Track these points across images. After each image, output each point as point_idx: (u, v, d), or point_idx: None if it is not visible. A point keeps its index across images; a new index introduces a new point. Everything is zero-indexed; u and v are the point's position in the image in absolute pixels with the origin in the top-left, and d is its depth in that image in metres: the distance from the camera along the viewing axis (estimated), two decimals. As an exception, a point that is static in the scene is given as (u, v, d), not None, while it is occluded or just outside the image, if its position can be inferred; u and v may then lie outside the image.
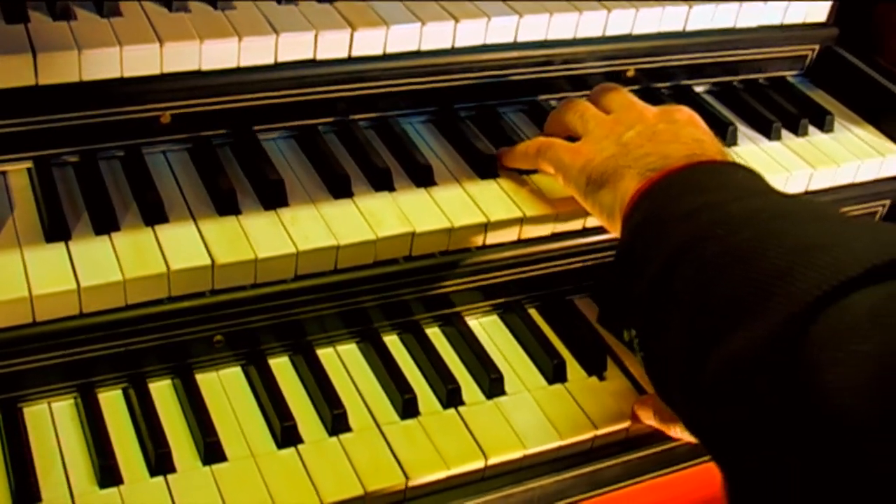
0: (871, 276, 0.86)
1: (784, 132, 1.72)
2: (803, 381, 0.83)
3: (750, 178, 1.19)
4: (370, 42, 1.44)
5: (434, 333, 1.43)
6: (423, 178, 1.42)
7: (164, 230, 1.26)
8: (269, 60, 1.39)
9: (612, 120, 1.36)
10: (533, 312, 1.50)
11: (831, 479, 0.80)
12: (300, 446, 1.24)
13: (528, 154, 1.43)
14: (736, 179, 1.17)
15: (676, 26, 1.69)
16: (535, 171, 1.46)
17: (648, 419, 1.33)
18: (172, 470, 1.20)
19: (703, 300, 1.00)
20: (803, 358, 0.84)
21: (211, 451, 1.21)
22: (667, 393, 1.10)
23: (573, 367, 1.42)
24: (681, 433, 1.30)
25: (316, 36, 1.40)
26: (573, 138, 1.39)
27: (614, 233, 1.26)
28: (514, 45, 1.56)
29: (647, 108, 1.36)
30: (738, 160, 1.56)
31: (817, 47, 1.87)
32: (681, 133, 1.28)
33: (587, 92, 1.59)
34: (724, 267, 0.99)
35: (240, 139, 1.42)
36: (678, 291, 1.04)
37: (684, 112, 1.35)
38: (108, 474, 1.17)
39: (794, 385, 0.84)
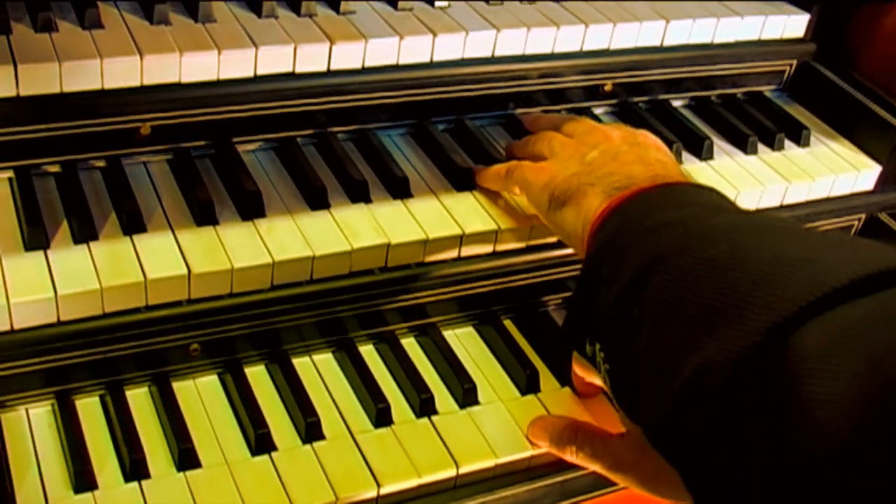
0: (852, 289, 0.86)
1: (760, 146, 1.73)
2: (783, 391, 0.82)
3: (720, 199, 1.19)
4: (349, 56, 1.46)
5: (409, 343, 1.45)
6: (400, 190, 1.44)
7: (142, 240, 1.28)
8: (249, 73, 1.41)
9: (576, 141, 1.37)
10: (508, 323, 1.51)
11: (808, 493, 0.80)
12: (274, 454, 1.26)
13: (499, 176, 1.44)
14: (708, 199, 1.18)
15: (654, 41, 1.70)
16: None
17: (542, 441, 1.32)
18: (147, 476, 1.21)
19: (677, 309, 0.99)
20: (784, 369, 0.83)
21: (185, 458, 1.23)
22: (630, 405, 1.10)
23: (546, 378, 1.43)
24: (576, 459, 1.28)
25: (295, 49, 1.42)
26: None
27: (576, 250, 1.27)
28: (492, 60, 1.57)
29: (612, 131, 1.37)
30: (714, 174, 1.60)
31: (795, 62, 1.89)
32: (644, 155, 1.29)
33: (565, 105, 1.62)
34: (699, 276, 0.98)
35: (219, 151, 1.44)
36: (651, 301, 1.03)
37: (649, 137, 1.36)
38: (83, 480, 1.18)
39: (773, 395, 0.83)
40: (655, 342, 1.01)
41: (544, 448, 1.31)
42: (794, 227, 1.05)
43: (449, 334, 1.48)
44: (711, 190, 1.21)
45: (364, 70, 1.48)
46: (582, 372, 1.32)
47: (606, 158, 1.29)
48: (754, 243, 0.98)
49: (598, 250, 1.18)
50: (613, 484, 1.36)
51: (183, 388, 1.32)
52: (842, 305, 0.85)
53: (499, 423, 1.35)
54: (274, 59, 1.41)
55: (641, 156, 1.28)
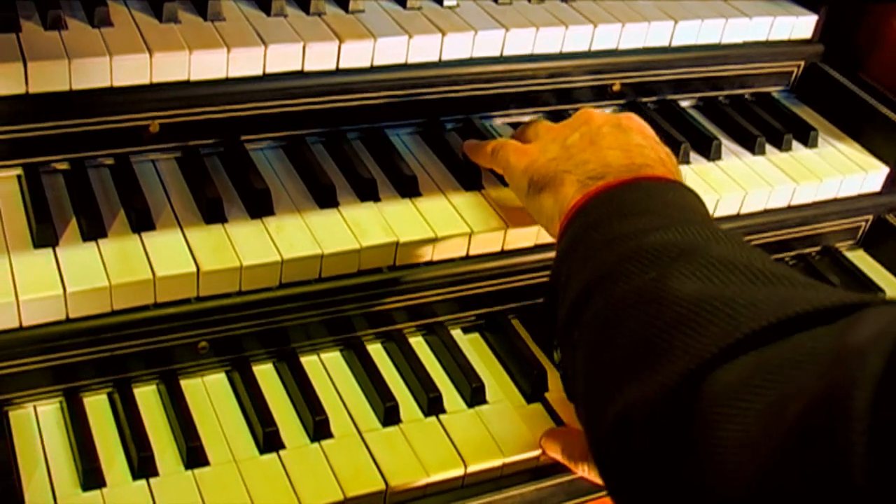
0: (769, 332, 0.85)
1: (768, 147, 1.73)
2: (695, 435, 0.82)
3: (676, 200, 1.16)
4: (358, 54, 1.46)
5: (417, 343, 1.45)
6: (409, 188, 1.44)
7: (151, 237, 1.28)
8: (258, 71, 1.41)
9: (560, 125, 1.36)
10: (516, 323, 1.51)
11: None
12: (282, 452, 1.26)
13: (485, 153, 1.44)
14: (664, 200, 1.15)
15: (662, 41, 1.71)
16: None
17: (555, 454, 1.31)
18: (155, 473, 1.21)
19: (607, 341, 0.98)
20: (696, 413, 0.82)
21: (193, 456, 1.23)
22: (578, 415, 1.08)
23: (554, 378, 1.43)
24: (587, 473, 1.27)
25: (304, 47, 1.42)
26: None
27: (554, 238, 1.25)
28: (501, 59, 1.57)
29: (597, 114, 1.34)
30: (722, 175, 1.60)
31: (802, 63, 1.89)
32: (624, 140, 1.26)
33: (573, 105, 1.61)
34: (630, 307, 0.97)
35: (228, 149, 1.44)
36: (588, 326, 1.03)
37: (633, 119, 1.34)
38: (91, 477, 1.18)
39: (687, 439, 0.83)
40: (589, 372, 1.01)
41: (557, 457, 1.31)
42: (723, 252, 1.00)
43: (457, 333, 1.48)
44: (675, 187, 1.19)
45: (373, 69, 1.48)
46: None
47: (585, 142, 1.27)
48: (678, 272, 0.96)
49: (559, 256, 1.17)
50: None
51: (191, 386, 1.32)
52: (758, 349, 0.84)
53: (506, 423, 1.35)
54: (283, 58, 1.41)
55: (621, 141, 1.26)
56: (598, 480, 1.22)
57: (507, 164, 1.36)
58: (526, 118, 1.64)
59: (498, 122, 1.65)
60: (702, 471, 0.80)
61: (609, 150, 1.24)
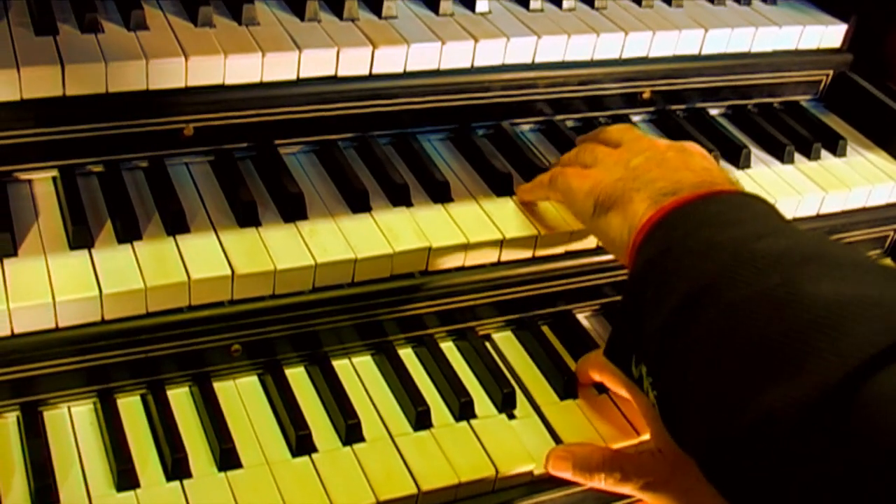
0: None
1: (797, 156, 1.73)
2: (862, 443, 0.79)
3: (767, 212, 1.16)
4: (391, 60, 1.47)
5: (448, 347, 1.45)
6: (441, 194, 1.44)
7: (185, 240, 1.28)
8: (292, 76, 1.42)
9: (621, 149, 1.35)
10: (546, 329, 1.51)
11: None
12: (314, 455, 1.26)
13: (542, 184, 1.43)
14: (754, 211, 1.14)
15: (692, 50, 1.71)
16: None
17: (565, 471, 1.28)
18: (188, 475, 1.22)
19: (730, 347, 0.95)
20: (861, 420, 0.80)
21: (226, 458, 1.23)
22: (680, 436, 1.07)
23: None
24: (605, 485, 1.25)
25: (338, 53, 1.42)
26: None
27: (619, 258, 1.25)
28: (533, 66, 1.58)
29: (658, 140, 1.35)
30: (751, 182, 1.60)
31: (831, 72, 1.89)
32: (690, 162, 1.26)
33: (603, 112, 1.62)
34: (753, 313, 0.94)
35: (261, 153, 1.45)
36: (701, 334, 0.99)
37: (695, 146, 1.34)
38: (125, 478, 1.19)
39: (850, 446, 0.80)
40: (708, 380, 0.98)
41: (567, 475, 1.28)
42: (844, 254, 1.00)
43: (487, 339, 1.48)
44: (759, 200, 1.18)
45: (406, 74, 1.49)
46: (606, 380, 1.33)
47: (652, 164, 1.27)
48: (808, 275, 0.94)
49: (643, 270, 1.15)
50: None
51: (223, 389, 1.33)
52: None
53: (537, 428, 1.35)
54: (317, 63, 1.42)
55: (688, 162, 1.26)
56: (618, 490, 1.25)
57: (569, 188, 1.34)
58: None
59: (528, 128, 1.65)
60: (872, 481, 0.78)
61: (677, 170, 1.24)
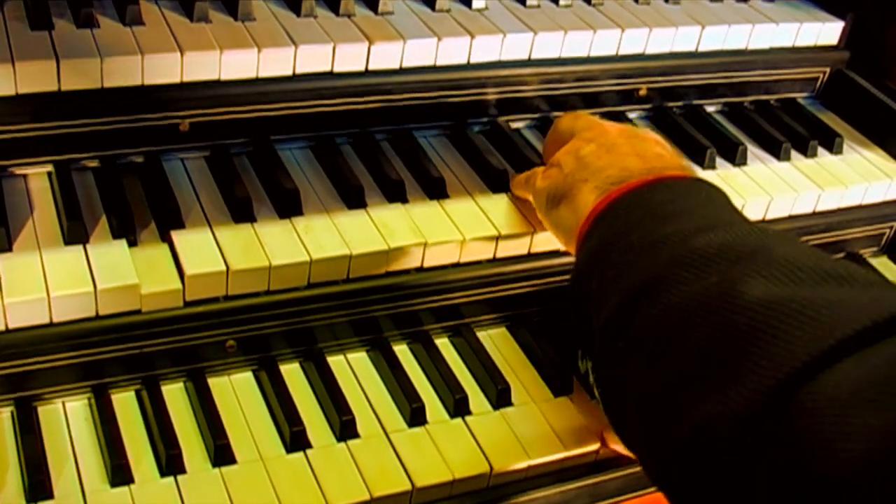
0: (862, 336, 0.81)
1: (793, 153, 1.73)
2: (798, 451, 0.77)
3: (711, 199, 1.13)
4: (387, 56, 1.47)
5: (443, 344, 1.45)
6: (436, 190, 1.44)
7: (180, 236, 1.28)
8: (288, 72, 1.42)
9: (573, 139, 1.34)
10: (541, 326, 1.51)
11: None
12: (309, 451, 1.26)
13: (521, 183, 1.43)
14: (698, 200, 1.11)
15: (689, 46, 1.71)
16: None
17: (618, 444, 1.28)
18: (183, 471, 1.21)
19: (668, 350, 0.93)
20: (796, 430, 0.78)
21: (221, 454, 1.23)
22: (624, 434, 1.06)
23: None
24: None
25: (334, 48, 1.42)
26: None
27: (573, 252, 1.23)
28: (529, 62, 1.58)
29: (609, 126, 1.33)
30: (747, 180, 1.60)
31: (828, 70, 1.89)
32: (640, 148, 1.24)
33: (599, 109, 1.62)
34: (691, 315, 0.92)
35: (257, 148, 1.45)
36: (640, 336, 0.98)
37: (649, 132, 1.32)
38: (119, 473, 1.19)
39: (787, 454, 0.78)
40: (646, 385, 0.96)
41: (619, 449, 1.30)
42: (782, 250, 0.96)
43: (482, 335, 1.48)
44: (705, 186, 1.16)
45: (402, 70, 1.49)
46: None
47: (602, 152, 1.25)
48: (746, 273, 0.92)
49: (587, 263, 1.14)
50: (645, 486, 1.37)
51: (218, 385, 1.33)
52: (853, 355, 0.80)
53: (532, 424, 1.35)
54: (313, 58, 1.42)
55: (638, 148, 1.24)
56: None
57: (534, 188, 1.35)
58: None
59: (524, 124, 1.65)
60: (809, 489, 0.76)
61: (627, 156, 1.22)
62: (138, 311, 1.24)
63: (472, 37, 1.51)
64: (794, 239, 1.01)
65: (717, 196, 1.15)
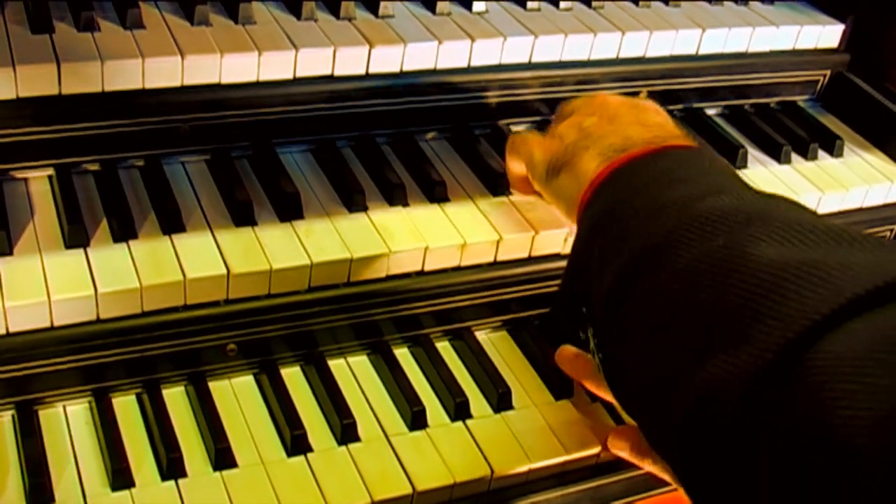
0: (872, 298, 0.79)
1: (794, 156, 1.73)
2: (805, 414, 0.76)
3: (716, 167, 1.12)
4: (387, 59, 1.47)
5: (444, 347, 1.45)
6: (437, 193, 1.44)
7: (181, 239, 1.28)
8: (288, 75, 1.42)
9: (575, 113, 1.33)
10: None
11: None
12: (309, 455, 1.26)
13: (508, 144, 1.42)
14: (703, 168, 1.10)
15: (689, 49, 1.71)
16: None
17: (622, 451, 1.29)
18: (184, 474, 1.22)
19: (674, 315, 0.92)
20: (804, 389, 0.76)
21: (222, 457, 1.23)
22: (625, 403, 1.05)
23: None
24: (654, 469, 1.23)
25: (334, 52, 1.42)
26: None
27: (573, 221, 1.22)
28: (529, 65, 1.58)
29: (611, 97, 1.33)
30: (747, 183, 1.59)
31: (828, 73, 1.89)
32: (643, 117, 1.24)
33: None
34: (696, 278, 0.91)
35: (257, 152, 1.45)
36: (643, 301, 0.96)
37: (648, 102, 1.32)
38: (120, 477, 1.19)
39: (794, 418, 0.77)
40: (650, 351, 0.95)
41: (623, 455, 1.29)
42: (790, 214, 0.95)
43: (483, 338, 1.48)
44: (704, 153, 1.16)
45: (402, 74, 1.49)
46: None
47: (604, 122, 1.24)
48: (751, 236, 0.90)
49: (589, 230, 1.12)
50: (647, 489, 1.37)
51: (219, 388, 1.33)
52: (862, 315, 0.79)
53: (533, 428, 1.35)
54: (313, 62, 1.42)
55: (640, 118, 1.24)
56: (662, 475, 1.21)
57: (531, 156, 1.34)
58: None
59: (525, 127, 1.65)
60: (821, 452, 0.74)
61: (629, 125, 1.22)
62: (139, 315, 1.24)
63: (473, 40, 1.51)
64: (801, 204, 1.00)
65: (721, 164, 1.14)
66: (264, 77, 1.40)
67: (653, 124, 1.23)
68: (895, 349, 0.74)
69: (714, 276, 0.89)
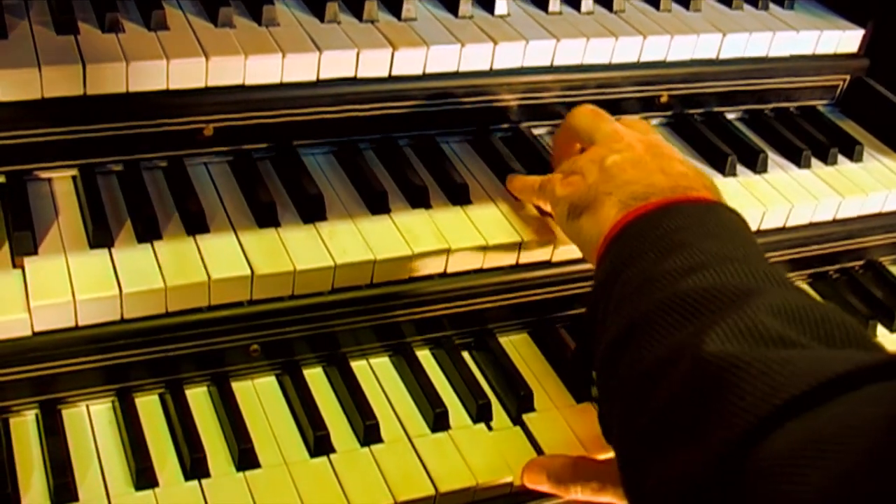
0: (808, 398, 0.80)
1: (814, 160, 1.73)
2: None
3: (722, 226, 1.13)
4: (410, 61, 1.47)
5: (465, 349, 1.46)
6: (459, 196, 1.44)
7: (204, 240, 1.29)
8: (312, 77, 1.42)
9: (597, 146, 1.33)
10: (563, 332, 1.51)
11: None
12: (332, 455, 1.26)
13: (532, 189, 1.41)
14: (706, 230, 1.10)
15: (710, 54, 1.71)
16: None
17: (540, 484, 1.26)
18: (207, 475, 1.22)
19: (637, 407, 0.95)
20: (745, 489, 0.78)
21: (245, 458, 1.23)
22: (616, 458, 1.04)
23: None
24: (583, 495, 1.22)
25: (357, 54, 1.43)
26: None
27: (592, 263, 1.23)
28: (551, 69, 1.58)
29: (637, 139, 1.32)
30: (768, 187, 1.60)
31: (848, 77, 1.89)
32: (666, 165, 1.24)
33: (621, 116, 1.61)
34: (663, 366, 0.93)
35: (280, 153, 1.45)
36: (623, 381, 0.99)
37: (673, 149, 1.32)
38: (144, 477, 1.19)
39: None
40: (622, 434, 0.99)
41: (543, 488, 1.26)
42: (771, 294, 0.95)
43: (505, 340, 1.48)
44: (717, 212, 1.16)
45: (425, 76, 1.49)
46: None
47: (627, 165, 1.24)
48: (716, 326, 0.91)
49: (598, 285, 1.15)
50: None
51: (242, 389, 1.33)
52: (800, 416, 0.79)
53: (554, 430, 1.35)
54: (336, 64, 1.42)
55: (664, 166, 1.24)
56: (594, 498, 1.22)
57: (554, 195, 1.33)
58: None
59: (546, 131, 1.65)
60: None
61: (652, 173, 1.22)
62: (163, 315, 1.24)
63: (495, 43, 1.51)
64: (779, 276, 1.01)
65: (728, 222, 1.15)
66: (287, 79, 1.41)
67: (676, 173, 1.23)
68: (822, 452, 0.74)
69: (673, 368, 0.91)
